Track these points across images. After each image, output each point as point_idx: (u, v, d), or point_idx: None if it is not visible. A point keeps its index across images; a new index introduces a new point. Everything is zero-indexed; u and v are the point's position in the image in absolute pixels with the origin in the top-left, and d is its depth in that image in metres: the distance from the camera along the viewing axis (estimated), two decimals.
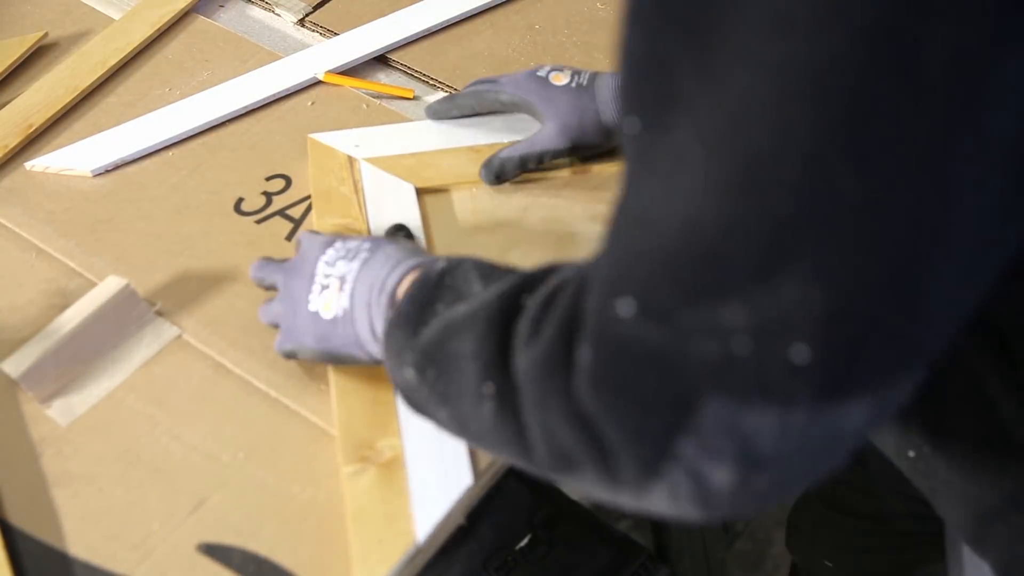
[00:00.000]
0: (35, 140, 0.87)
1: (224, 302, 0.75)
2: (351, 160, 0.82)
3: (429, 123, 0.86)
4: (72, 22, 0.98)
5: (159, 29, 0.95)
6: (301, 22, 0.98)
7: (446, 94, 0.88)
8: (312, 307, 0.65)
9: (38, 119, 0.87)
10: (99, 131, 0.87)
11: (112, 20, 0.97)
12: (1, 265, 0.78)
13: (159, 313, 0.74)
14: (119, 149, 0.85)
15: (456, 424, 0.53)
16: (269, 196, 0.82)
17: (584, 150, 0.79)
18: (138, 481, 0.66)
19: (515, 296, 0.50)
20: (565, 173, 0.81)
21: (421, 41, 0.95)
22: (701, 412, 0.39)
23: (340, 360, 0.66)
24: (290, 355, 0.68)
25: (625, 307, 0.40)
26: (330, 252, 0.66)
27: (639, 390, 0.40)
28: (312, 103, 0.89)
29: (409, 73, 0.93)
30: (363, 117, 0.88)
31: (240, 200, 0.82)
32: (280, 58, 0.93)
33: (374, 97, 0.90)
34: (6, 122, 0.87)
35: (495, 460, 0.65)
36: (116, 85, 0.92)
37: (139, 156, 0.85)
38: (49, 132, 0.88)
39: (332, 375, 0.68)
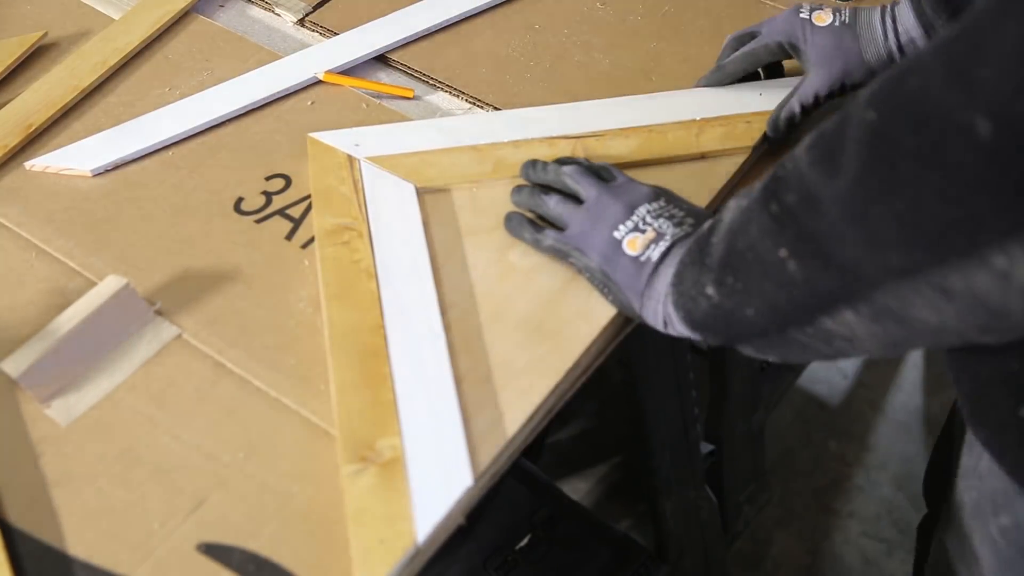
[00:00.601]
0: (35, 140, 0.87)
1: (224, 302, 0.75)
2: (351, 159, 0.82)
3: (429, 122, 0.86)
4: (72, 22, 0.98)
5: (159, 29, 0.95)
6: (301, 22, 0.98)
7: (716, 69, 0.86)
8: (617, 235, 0.68)
9: (38, 119, 0.87)
10: (99, 131, 0.87)
11: (112, 20, 0.97)
12: (1, 265, 0.78)
13: (159, 313, 0.74)
14: (119, 149, 0.85)
15: (769, 312, 0.56)
16: (269, 196, 0.82)
17: (850, 89, 0.80)
18: (138, 481, 0.66)
19: (770, 179, 0.55)
20: None
21: (421, 41, 0.95)
22: None
23: (607, 289, 0.69)
24: (557, 252, 0.72)
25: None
26: (655, 205, 0.69)
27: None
28: (312, 103, 0.89)
29: (409, 73, 0.93)
30: (363, 117, 0.88)
31: (240, 200, 0.82)
32: (280, 58, 0.93)
33: (374, 97, 0.90)
34: (6, 122, 0.87)
35: (496, 460, 0.65)
36: (116, 85, 0.92)
37: (139, 156, 0.85)
38: (49, 132, 0.88)
39: (332, 374, 0.68)
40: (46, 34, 0.96)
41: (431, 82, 0.92)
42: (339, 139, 0.84)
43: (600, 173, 0.74)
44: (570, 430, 1.56)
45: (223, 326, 0.73)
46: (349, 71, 0.92)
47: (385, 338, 0.70)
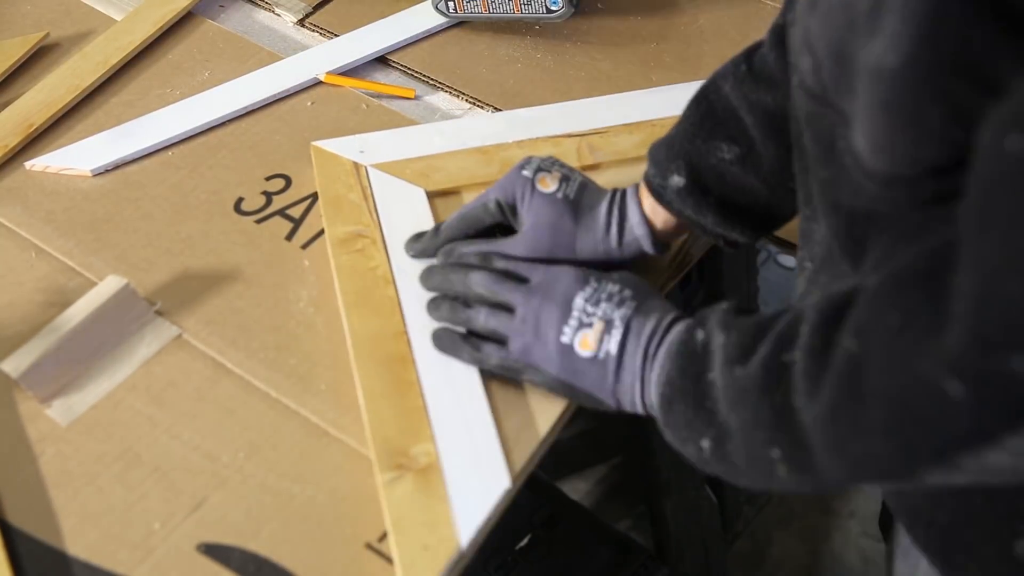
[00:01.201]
0: (36, 140, 0.87)
1: (224, 302, 0.75)
2: (357, 166, 0.82)
3: (432, 126, 0.85)
4: (73, 23, 0.98)
5: (160, 29, 0.95)
6: (301, 23, 0.98)
7: (432, 232, 0.75)
8: (565, 339, 0.63)
9: (39, 119, 0.87)
10: (100, 131, 0.87)
11: (114, 21, 0.98)
12: (1, 264, 0.78)
13: (159, 313, 0.74)
14: (119, 149, 0.85)
15: (757, 484, 0.56)
16: (269, 196, 0.82)
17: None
18: (138, 481, 0.66)
19: (775, 358, 0.52)
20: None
21: (421, 42, 0.95)
22: None
23: (577, 398, 0.65)
24: (507, 371, 0.66)
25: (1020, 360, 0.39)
26: (588, 290, 0.64)
27: None
28: (312, 103, 0.90)
29: (409, 73, 0.93)
30: (363, 117, 0.88)
31: (240, 200, 0.82)
32: (280, 59, 0.93)
33: (374, 97, 0.90)
34: (7, 122, 0.87)
35: (531, 461, 0.65)
36: (117, 85, 0.92)
37: (139, 156, 0.86)
38: (50, 132, 0.88)
39: (359, 383, 0.68)
40: (48, 34, 0.96)
41: (431, 82, 0.92)
42: (343, 146, 0.84)
43: (511, 273, 0.68)
44: (570, 430, 1.56)
45: (223, 326, 0.74)
46: (350, 72, 0.92)
47: (409, 344, 0.70)
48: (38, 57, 0.94)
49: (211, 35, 0.97)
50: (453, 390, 0.67)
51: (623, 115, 0.84)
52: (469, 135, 0.84)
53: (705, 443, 0.57)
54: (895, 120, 0.44)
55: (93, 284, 0.74)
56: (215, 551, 0.62)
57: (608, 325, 0.63)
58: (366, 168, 0.82)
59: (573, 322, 0.63)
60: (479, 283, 0.68)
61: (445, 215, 0.77)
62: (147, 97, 0.91)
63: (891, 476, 0.49)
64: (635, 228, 0.70)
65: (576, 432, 1.56)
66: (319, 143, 0.84)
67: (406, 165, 0.82)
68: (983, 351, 0.40)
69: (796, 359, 0.50)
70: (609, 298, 0.64)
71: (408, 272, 0.74)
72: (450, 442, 0.65)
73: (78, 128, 0.88)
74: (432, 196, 0.80)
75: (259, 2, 1.01)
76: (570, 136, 0.83)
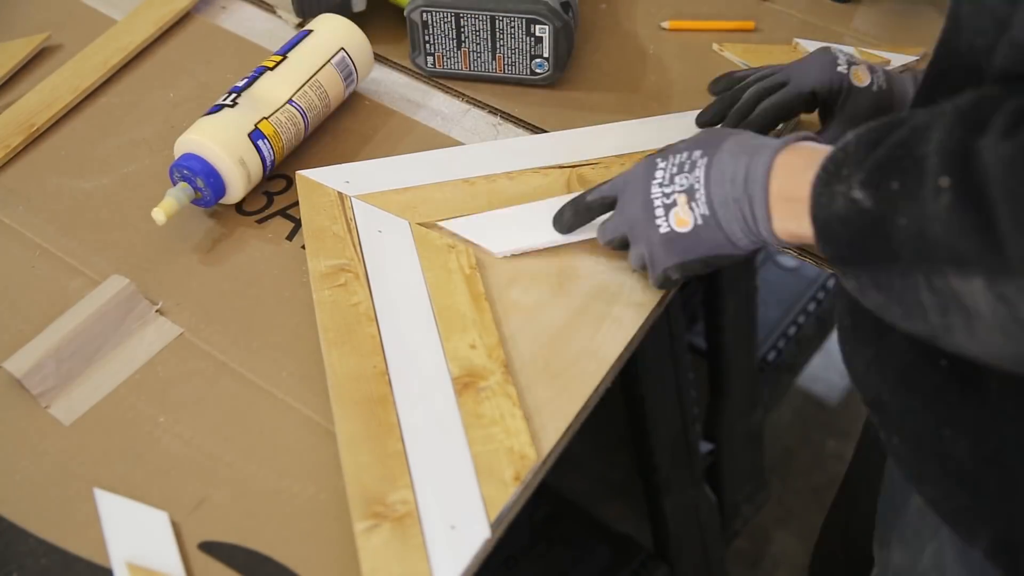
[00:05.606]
0: (37, 140, 0.87)
1: (226, 301, 0.75)
2: (342, 197, 0.80)
3: (418, 155, 0.84)
4: (75, 24, 0.98)
5: (160, 29, 0.96)
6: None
7: (737, 115, 0.78)
8: (663, 229, 0.66)
9: (40, 119, 0.87)
10: (100, 131, 0.88)
11: (114, 21, 0.98)
12: (3, 264, 0.78)
13: (161, 312, 0.75)
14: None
15: (909, 232, 0.48)
16: (270, 196, 0.83)
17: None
18: (139, 480, 0.66)
19: (992, 100, 0.47)
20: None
21: None
22: None
23: (709, 263, 0.67)
24: (663, 281, 0.70)
25: None
26: (659, 173, 0.67)
27: None
28: None
29: (408, 73, 0.93)
30: (364, 117, 0.88)
31: (241, 200, 0.82)
32: None
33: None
34: (9, 122, 0.87)
35: (511, 507, 0.63)
36: (118, 86, 0.92)
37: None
38: (51, 132, 0.88)
39: (338, 426, 0.66)
40: (50, 36, 0.96)
41: (431, 83, 0.92)
42: (329, 176, 0.82)
43: (606, 201, 0.72)
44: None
45: (224, 325, 0.74)
46: None
47: (390, 384, 0.68)
48: (40, 58, 0.95)
49: (212, 35, 0.97)
50: (434, 435, 0.65)
51: (615, 146, 0.83)
52: (458, 165, 0.82)
53: (857, 192, 0.50)
54: None
55: (95, 283, 0.75)
56: (216, 549, 0.63)
57: (690, 193, 0.65)
58: (351, 199, 0.80)
59: (659, 209, 0.66)
60: (584, 207, 0.73)
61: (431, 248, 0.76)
62: (147, 97, 0.91)
63: None
64: None
65: (576, 432, 1.56)
66: (305, 172, 0.82)
67: (391, 197, 0.80)
68: None
69: (1006, 104, 0.46)
70: (680, 168, 0.66)
71: (391, 309, 0.72)
72: (429, 490, 0.63)
73: (79, 128, 0.88)
74: (417, 229, 0.77)
75: (260, 3, 1.01)
76: (561, 167, 0.82)
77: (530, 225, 0.77)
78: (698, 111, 0.84)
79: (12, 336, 0.72)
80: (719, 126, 0.79)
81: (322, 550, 0.62)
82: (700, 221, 0.65)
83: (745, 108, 0.77)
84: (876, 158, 0.50)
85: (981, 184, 0.44)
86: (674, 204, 0.66)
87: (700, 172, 0.65)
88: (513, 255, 0.76)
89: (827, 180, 0.53)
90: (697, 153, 0.66)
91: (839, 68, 0.74)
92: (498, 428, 0.65)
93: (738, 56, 0.92)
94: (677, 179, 0.66)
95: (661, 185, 0.67)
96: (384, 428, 0.66)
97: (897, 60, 0.91)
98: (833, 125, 0.76)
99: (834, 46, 0.79)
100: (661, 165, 0.67)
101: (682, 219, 0.66)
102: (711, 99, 0.87)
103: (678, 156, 0.67)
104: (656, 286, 0.72)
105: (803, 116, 0.82)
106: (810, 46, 0.92)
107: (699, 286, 1.33)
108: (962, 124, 0.47)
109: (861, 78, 0.73)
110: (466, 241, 0.77)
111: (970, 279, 0.45)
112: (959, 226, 0.45)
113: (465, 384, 0.68)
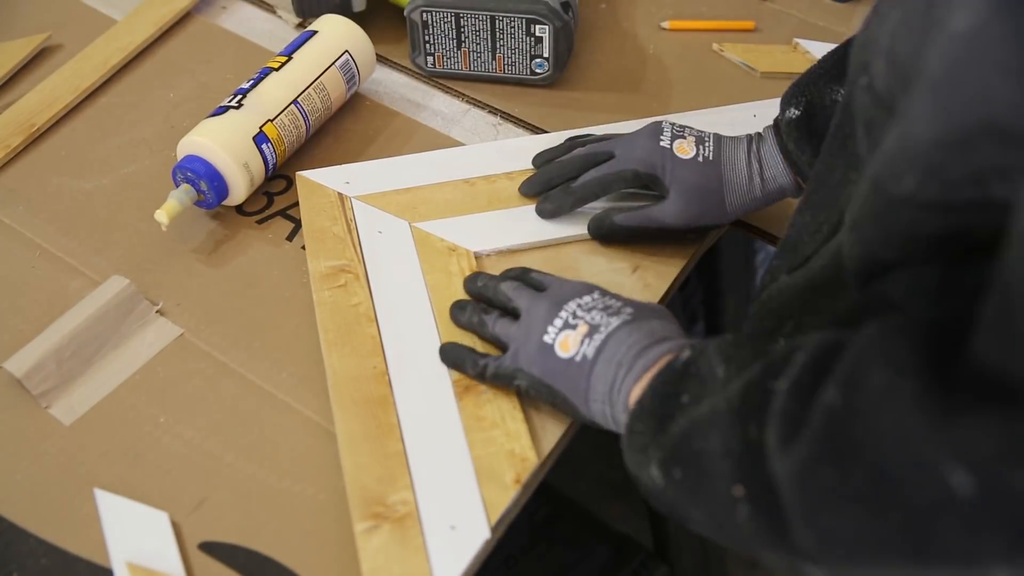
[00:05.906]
0: (37, 140, 0.87)
1: (226, 302, 0.75)
2: (342, 197, 0.80)
3: (418, 156, 0.83)
4: (75, 24, 0.98)
5: (160, 29, 0.96)
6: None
7: (562, 190, 0.77)
8: (547, 339, 0.63)
9: (40, 119, 0.87)
10: (100, 131, 0.88)
11: (115, 22, 0.98)
12: (4, 264, 0.78)
13: (161, 312, 0.75)
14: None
15: (710, 526, 0.51)
16: (270, 196, 0.83)
17: (701, 230, 0.75)
18: (139, 480, 0.66)
19: (760, 384, 0.48)
20: None
21: None
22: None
23: (556, 403, 0.64)
24: (500, 379, 0.66)
25: None
26: (587, 298, 0.64)
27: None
28: None
29: (409, 73, 0.93)
30: (365, 117, 0.88)
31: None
32: None
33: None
34: (10, 122, 0.87)
35: (512, 508, 0.63)
36: (118, 86, 0.92)
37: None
38: (51, 132, 0.88)
39: (338, 427, 0.66)
40: (50, 36, 0.96)
41: (431, 83, 0.92)
42: (329, 177, 0.82)
43: (537, 285, 0.68)
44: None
45: (225, 326, 0.74)
46: None
47: (390, 385, 0.68)
48: (41, 58, 0.95)
49: (212, 35, 0.97)
50: (434, 436, 0.65)
51: None
52: (458, 166, 0.82)
53: (655, 471, 0.53)
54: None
55: (96, 284, 0.75)
56: (216, 550, 0.63)
57: (592, 330, 0.61)
58: (351, 200, 0.80)
59: (559, 322, 0.63)
60: (505, 288, 0.69)
61: (430, 250, 0.76)
62: (148, 97, 0.91)
63: (859, 558, 0.43)
64: (779, 177, 0.72)
65: (576, 432, 1.56)
66: (305, 173, 0.82)
67: (392, 197, 0.80)
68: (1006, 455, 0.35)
69: (779, 390, 0.46)
70: (606, 308, 0.63)
71: (391, 310, 0.72)
72: (429, 490, 0.62)
73: (80, 128, 0.89)
74: (417, 230, 0.77)
75: (260, 3, 1.01)
76: None
77: (528, 224, 0.78)
78: (698, 111, 0.84)
79: (12, 336, 0.73)
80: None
81: (322, 550, 0.62)
82: (579, 359, 0.61)
83: (568, 171, 0.76)
84: (669, 440, 0.52)
85: (775, 498, 0.45)
86: (573, 328, 0.62)
87: (616, 322, 0.61)
88: (511, 252, 0.76)
89: (631, 443, 0.56)
90: (629, 309, 0.62)
91: (662, 143, 0.73)
92: (499, 431, 0.65)
93: (738, 56, 0.92)
94: (595, 313, 0.62)
95: (580, 306, 0.63)
96: (384, 429, 0.66)
97: None
98: (668, 195, 0.73)
99: (668, 118, 0.79)
100: (596, 295, 0.64)
101: (567, 345, 0.62)
102: (711, 98, 0.87)
103: (614, 300, 0.64)
104: (492, 375, 0.66)
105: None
106: (810, 46, 0.92)
107: (699, 286, 1.33)
108: (741, 422, 0.48)
109: (685, 151, 0.73)
110: (461, 243, 0.77)
111: (769, 554, 0.48)
112: (760, 536, 0.47)
113: (466, 387, 0.68)
